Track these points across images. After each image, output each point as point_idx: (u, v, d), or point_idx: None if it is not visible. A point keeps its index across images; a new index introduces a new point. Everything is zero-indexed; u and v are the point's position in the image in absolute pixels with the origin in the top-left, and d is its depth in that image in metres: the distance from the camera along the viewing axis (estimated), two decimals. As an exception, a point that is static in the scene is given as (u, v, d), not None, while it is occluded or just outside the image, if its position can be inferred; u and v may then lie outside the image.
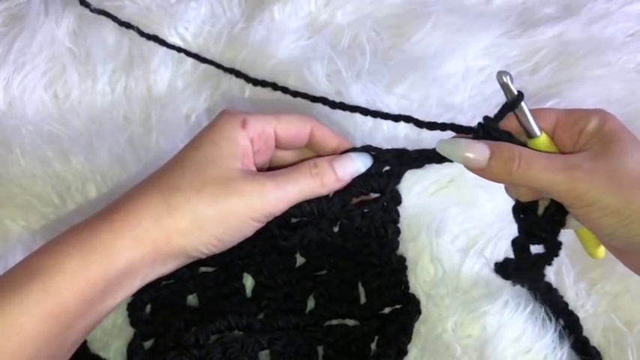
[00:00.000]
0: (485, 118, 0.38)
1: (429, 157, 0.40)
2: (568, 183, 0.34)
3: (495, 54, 0.62)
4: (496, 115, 0.38)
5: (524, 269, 0.42)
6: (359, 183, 0.40)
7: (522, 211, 0.40)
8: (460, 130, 0.39)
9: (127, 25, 0.61)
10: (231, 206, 0.37)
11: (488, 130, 0.37)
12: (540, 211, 0.39)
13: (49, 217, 0.52)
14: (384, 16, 0.65)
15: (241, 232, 0.38)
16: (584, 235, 0.40)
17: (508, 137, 0.37)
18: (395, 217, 0.45)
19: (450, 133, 0.40)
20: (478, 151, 0.36)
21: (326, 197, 0.40)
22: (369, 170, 0.41)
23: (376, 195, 0.42)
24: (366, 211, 0.40)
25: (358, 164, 0.40)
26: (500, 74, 0.36)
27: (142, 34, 0.61)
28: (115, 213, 0.37)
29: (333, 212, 0.40)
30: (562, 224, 0.38)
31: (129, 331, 0.46)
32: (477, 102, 0.58)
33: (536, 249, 0.41)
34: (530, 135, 0.38)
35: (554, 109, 0.39)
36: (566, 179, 0.34)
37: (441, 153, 0.37)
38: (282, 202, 0.38)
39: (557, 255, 0.41)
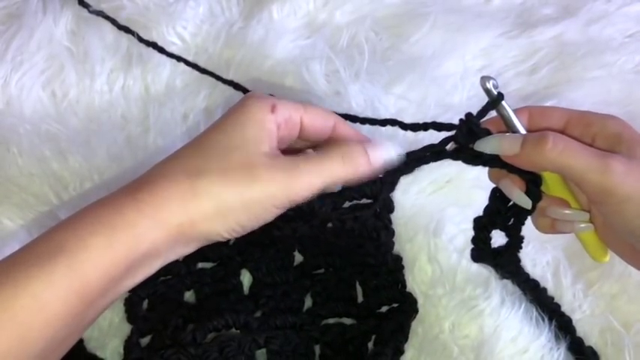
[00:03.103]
0: (468, 114, 0.38)
1: (421, 157, 0.40)
2: (604, 171, 0.33)
3: (494, 54, 0.62)
4: (478, 113, 0.39)
5: (482, 250, 0.43)
6: (352, 187, 0.40)
7: (497, 197, 0.41)
8: (442, 128, 0.40)
9: (126, 30, 0.61)
10: (255, 195, 0.36)
11: (470, 127, 0.38)
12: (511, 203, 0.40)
13: (46, 216, 0.52)
14: (383, 16, 0.65)
15: (263, 219, 0.38)
16: (588, 239, 0.40)
17: (489, 135, 0.38)
18: (387, 224, 0.45)
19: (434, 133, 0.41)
20: (511, 137, 0.36)
21: (320, 196, 0.39)
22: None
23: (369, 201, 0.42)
24: (357, 215, 0.40)
25: (391, 151, 0.40)
26: (484, 79, 0.38)
27: (140, 39, 0.61)
28: (141, 192, 0.36)
29: (324, 212, 0.39)
30: (522, 222, 0.40)
31: (125, 331, 0.46)
32: (476, 102, 0.57)
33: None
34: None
35: (563, 109, 0.39)
36: (602, 166, 0.33)
37: (478, 149, 0.38)
38: (306, 190, 0.38)
39: (519, 249, 0.42)
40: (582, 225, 0.38)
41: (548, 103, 0.58)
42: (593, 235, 0.39)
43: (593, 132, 0.37)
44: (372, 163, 0.39)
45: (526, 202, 0.38)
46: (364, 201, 0.41)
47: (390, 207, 0.44)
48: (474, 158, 0.39)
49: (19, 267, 0.33)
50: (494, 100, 0.38)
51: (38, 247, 0.35)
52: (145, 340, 0.46)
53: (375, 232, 0.44)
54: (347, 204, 0.41)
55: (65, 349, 0.36)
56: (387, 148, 0.40)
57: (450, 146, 0.40)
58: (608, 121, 0.37)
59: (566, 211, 0.39)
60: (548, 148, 0.34)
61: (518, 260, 0.46)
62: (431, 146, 0.40)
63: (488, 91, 0.38)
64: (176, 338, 0.44)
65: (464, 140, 0.38)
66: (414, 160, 0.40)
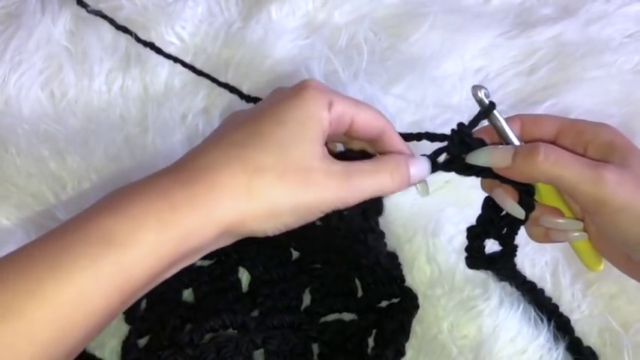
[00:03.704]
0: (459, 124, 0.38)
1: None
2: (596, 181, 0.33)
3: (493, 54, 0.62)
4: (470, 123, 0.38)
5: (476, 258, 0.43)
6: None
7: (490, 206, 0.41)
8: (435, 139, 0.40)
9: (124, 30, 0.61)
10: (308, 200, 0.36)
11: (462, 137, 0.38)
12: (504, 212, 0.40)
13: (44, 216, 0.52)
14: (382, 17, 0.65)
15: (307, 220, 0.37)
16: (582, 248, 0.40)
17: (482, 144, 0.38)
18: (373, 226, 0.45)
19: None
20: (503, 150, 0.36)
21: None
22: None
23: None
24: (345, 213, 0.40)
25: (427, 167, 0.40)
26: (475, 89, 0.38)
27: (138, 40, 0.61)
28: (195, 184, 0.34)
29: None
30: (515, 232, 0.40)
31: (124, 331, 0.46)
32: (474, 103, 0.57)
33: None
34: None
35: (555, 117, 0.39)
36: (595, 176, 0.33)
37: (470, 162, 0.38)
38: (354, 200, 0.37)
39: (513, 256, 0.42)
40: (576, 234, 0.38)
41: (546, 104, 0.58)
42: (587, 244, 0.39)
43: (586, 140, 0.37)
44: (410, 180, 0.39)
45: (519, 212, 0.38)
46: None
47: (378, 209, 0.44)
48: (467, 169, 0.39)
49: (65, 255, 0.32)
50: (486, 110, 0.38)
51: (86, 235, 0.33)
52: (142, 341, 0.46)
53: (362, 233, 0.44)
54: None
55: (97, 335, 0.35)
56: (426, 166, 0.40)
57: (442, 157, 0.40)
58: (601, 129, 0.37)
59: (560, 221, 0.39)
60: (539, 160, 0.34)
61: (514, 265, 0.46)
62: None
63: (480, 101, 0.38)
64: (174, 339, 0.44)
65: (456, 151, 0.38)
66: None
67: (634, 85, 0.60)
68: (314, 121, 0.37)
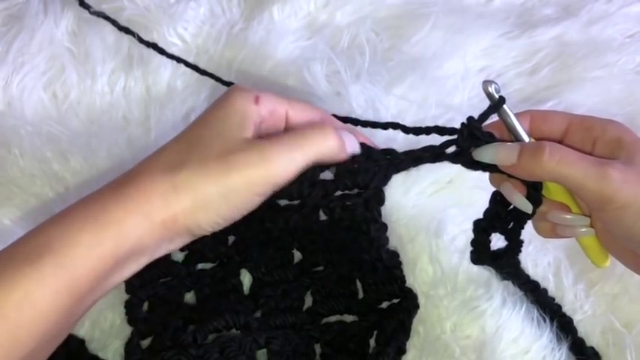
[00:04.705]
0: (469, 118, 0.39)
1: (419, 157, 0.40)
2: (601, 179, 0.33)
3: (494, 55, 0.62)
4: (480, 117, 0.39)
5: (481, 252, 0.44)
6: (343, 175, 0.40)
7: (498, 201, 0.41)
8: (444, 132, 0.40)
9: (127, 31, 0.61)
10: (232, 183, 0.36)
11: (471, 131, 0.38)
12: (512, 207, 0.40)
13: (47, 217, 0.52)
14: (384, 17, 0.65)
15: (245, 208, 0.37)
16: (589, 244, 0.40)
17: (491, 138, 0.38)
18: (376, 216, 0.45)
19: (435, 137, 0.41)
20: (508, 147, 0.37)
21: (310, 183, 0.39)
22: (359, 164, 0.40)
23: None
24: (348, 203, 0.40)
25: (356, 145, 0.40)
26: (486, 83, 0.38)
27: (141, 40, 0.61)
28: (126, 187, 0.36)
29: (314, 199, 0.39)
30: (522, 227, 0.41)
31: (127, 332, 0.46)
32: (476, 103, 0.58)
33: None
34: (519, 141, 0.38)
35: (564, 113, 0.39)
36: (600, 174, 0.34)
37: (476, 158, 0.38)
38: (286, 170, 0.37)
39: (518, 252, 0.43)
40: (583, 230, 0.38)
41: (548, 104, 0.58)
42: (594, 240, 0.39)
43: (594, 136, 0.37)
44: (345, 147, 0.39)
45: (527, 207, 0.38)
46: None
47: (380, 199, 0.43)
48: (474, 163, 0.39)
49: (8, 265, 0.33)
50: (496, 104, 0.38)
51: (27, 244, 0.35)
52: (145, 342, 0.46)
53: (365, 224, 0.44)
54: (339, 194, 0.41)
55: (54, 346, 0.36)
56: (354, 141, 0.40)
57: (450, 149, 0.40)
58: (609, 125, 0.37)
59: (567, 216, 0.39)
60: (545, 159, 0.35)
61: (518, 262, 0.46)
62: (431, 147, 0.40)
63: (490, 95, 0.38)
64: (177, 339, 0.44)
65: (465, 144, 0.38)
66: (412, 158, 0.40)
67: (636, 85, 0.60)
68: (237, 113, 0.38)
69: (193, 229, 0.37)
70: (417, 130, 0.41)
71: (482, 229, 0.42)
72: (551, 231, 0.40)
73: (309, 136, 0.38)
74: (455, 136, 0.39)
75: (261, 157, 0.36)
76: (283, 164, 0.37)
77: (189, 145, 0.38)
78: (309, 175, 0.38)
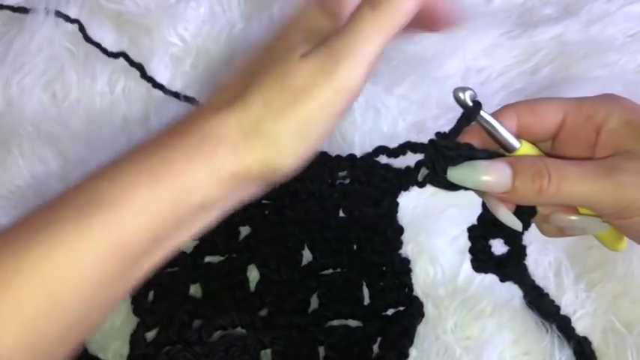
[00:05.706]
0: (437, 134, 0.33)
1: (395, 186, 0.41)
2: (614, 191, 0.29)
3: (495, 54, 0.62)
4: (451, 131, 0.33)
5: (482, 260, 0.40)
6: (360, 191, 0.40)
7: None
8: (416, 150, 0.36)
9: (115, 56, 0.60)
10: (304, 115, 0.31)
11: (438, 150, 0.32)
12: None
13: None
14: (384, 17, 0.65)
15: (325, 134, 0.32)
16: (606, 237, 0.35)
17: (469, 151, 0.32)
18: (393, 220, 0.45)
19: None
20: (498, 171, 0.31)
21: (331, 178, 0.39)
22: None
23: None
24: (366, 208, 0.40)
25: None
26: (457, 91, 0.32)
27: (131, 63, 0.60)
28: (188, 136, 0.31)
29: (330, 193, 0.39)
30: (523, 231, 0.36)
31: (127, 333, 0.46)
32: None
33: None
34: (508, 149, 0.33)
35: (557, 100, 0.33)
36: (612, 186, 0.29)
37: (454, 181, 0.32)
38: (358, 69, 0.31)
39: (521, 258, 0.39)
40: (596, 227, 0.33)
41: (549, 104, 0.58)
42: (611, 231, 0.34)
43: (597, 124, 0.32)
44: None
45: (516, 224, 0.33)
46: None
47: (394, 209, 0.44)
48: (452, 185, 0.33)
49: (52, 220, 0.29)
50: (470, 115, 0.32)
51: (74, 198, 0.31)
52: (150, 335, 0.46)
53: (382, 224, 0.44)
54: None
55: (104, 313, 0.32)
56: None
57: (421, 173, 0.35)
58: (614, 108, 0.32)
59: (574, 218, 0.33)
60: (544, 186, 0.30)
61: (525, 269, 0.42)
62: (403, 172, 0.39)
63: (463, 104, 0.32)
64: (182, 335, 0.44)
65: (435, 166, 0.33)
66: (396, 186, 0.41)
67: (637, 85, 0.60)
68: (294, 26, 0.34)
69: (269, 178, 0.33)
70: (392, 152, 0.39)
71: (477, 235, 0.39)
72: (557, 231, 0.35)
73: (364, 27, 0.31)
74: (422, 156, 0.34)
75: (324, 70, 0.31)
76: (354, 65, 0.31)
77: (251, 78, 0.33)
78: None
